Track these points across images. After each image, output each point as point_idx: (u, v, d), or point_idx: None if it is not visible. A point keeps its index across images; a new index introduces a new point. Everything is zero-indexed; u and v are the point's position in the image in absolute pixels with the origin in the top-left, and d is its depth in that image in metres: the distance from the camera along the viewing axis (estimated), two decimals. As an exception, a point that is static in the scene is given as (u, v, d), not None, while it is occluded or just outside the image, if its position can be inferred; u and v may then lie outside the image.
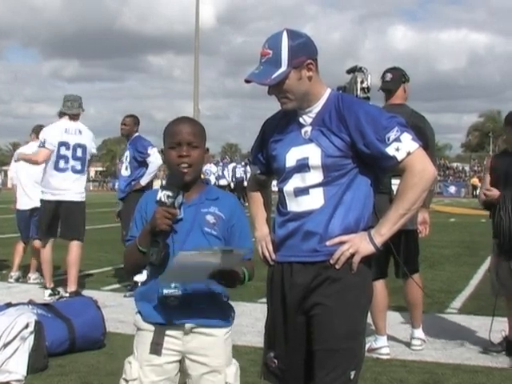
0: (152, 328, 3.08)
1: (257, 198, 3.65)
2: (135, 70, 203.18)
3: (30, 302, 6.15)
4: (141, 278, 8.84)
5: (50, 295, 8.51)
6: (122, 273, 10.59)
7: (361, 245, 3.11)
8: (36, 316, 5.64)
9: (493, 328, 6.12)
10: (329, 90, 3.28)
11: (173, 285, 3.03)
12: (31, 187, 9.98)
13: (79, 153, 8.67)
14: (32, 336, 5.45)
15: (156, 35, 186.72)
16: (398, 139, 3.08)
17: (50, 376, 5.37)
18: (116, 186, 27.76)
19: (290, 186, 3.24)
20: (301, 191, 3.21)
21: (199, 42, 40.70)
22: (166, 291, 3.03)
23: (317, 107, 3.23)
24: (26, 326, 5.43)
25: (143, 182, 8.99)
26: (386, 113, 3.21)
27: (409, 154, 3.08)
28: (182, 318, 3.05)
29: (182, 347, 3.08)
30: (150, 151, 9.05)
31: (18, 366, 5.24)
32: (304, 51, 3.15)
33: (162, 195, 2.98)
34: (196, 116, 38.31)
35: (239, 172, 32.72)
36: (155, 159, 9.06)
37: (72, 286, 8.43)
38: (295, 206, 3.23)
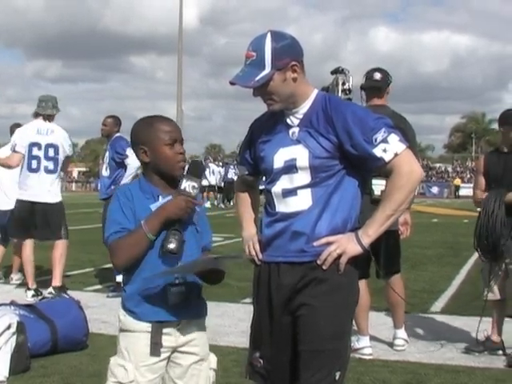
0: (145, 328, 3.06)
1: (244, 198, 3.65)
2: (118, 71, 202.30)
3: (13, 303, 6.11)
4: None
5: (33, 296, 8.49)
6: (104, 273, 10.56)
7: (348, 245, 3.12)
8: (18, 317, 5.62)
9: (475, 328, 6.15)
10: (316, 91, 3.29)
11: (177, 281, 3.07)
12: (12, 188, 9.98)
13: (51, 153, 8.64)
14: (14, 337, 5.42)
15: (138, 36, 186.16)
16: (385, 140, 3.09)
17: (32, 377, 5.34)
18: (99, 187, 27.57)
19: (278, 187, 3.25)
20: (289, 192, 3.22)
21: (182, 43, 40.67)
22: (173, 289, 3.06)
23: (304, 108, 3.23)
24: (8, 327, 5.40)
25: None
26: (373, 114, 3.22)
27: (396, 155, 3.09)
28: (180, 313, 3.09)
29: (174, 343, 3.11)
30: (128, 152, 8.91)
31: (0, 367, 5.22)
32: (288, 53, 3.15)
33: (187, 185, 3.03)
34: (179, 117, 38.26)
35: (231, 173, 32.49)
36: (133, 161, 8.96)
37: (57, 281, 8.51)
38: (283, 206, 3.24)
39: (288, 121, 3.26)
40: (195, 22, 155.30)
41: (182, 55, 41.36)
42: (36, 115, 8.88)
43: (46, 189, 8.64)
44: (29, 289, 8.65)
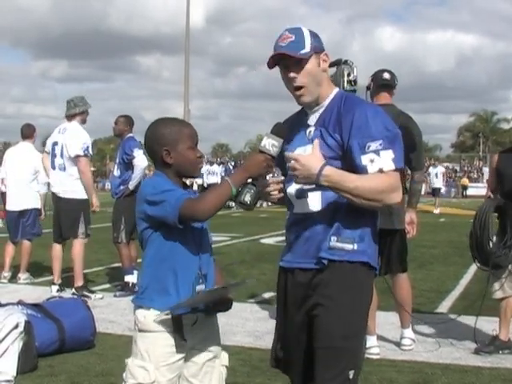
0: (164, 328, 3.06)
1: None
2: (123, 71, 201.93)
3: (20, 303, 6.13)
4: (132, 278, 8.85)
5: (58, 291, 8.65)
6: (111, 273, 10.59)
7: (305, 173, 3.03)
8: (26, 316, 5.63)
9: (484, 328, 6.14)
10: (336, 90, 3.33)
11: (200, 280, 3.09)
12: (20, 189, 10.06)
13: (65, 151, 8.80)
14: (22, 336, 5.44)
15: (143, 36, 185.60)
16: (376, 152, 3.04)
17: (40, 376, 5.36)
18: (106, 187, 27.49)
19: (292, 188, 3.27)
20: (301, 193, 3.23)
21: (189, 43, 40.65)
22: (198, 287, 3.08)
23: (322, 107, 3.27)
24: (16, 327, 5.42)
25: (131, 186, 8.97)
26: (386, 123, 3.14)
27: (381, 171, 3.04)
28: (196, 308, 3.11)
29: (190, 341, 3.12)
30: (135, 153, 8.97)
31: (8, 366, 5.23)
32: (321, 43, 3.26)
33: (267, 143, 3.00)
34: (186, 116, 38.28)
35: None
36: (139, 162, 8.99)
37: (78, 281, 8.66)
38: (297, 208, 3.27)
39: (308, 120, 3.29)
40: (201, 22, 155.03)
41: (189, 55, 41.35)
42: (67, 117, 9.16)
43: (61, 185, 8.86)
44: (53, 284, 8.82)
